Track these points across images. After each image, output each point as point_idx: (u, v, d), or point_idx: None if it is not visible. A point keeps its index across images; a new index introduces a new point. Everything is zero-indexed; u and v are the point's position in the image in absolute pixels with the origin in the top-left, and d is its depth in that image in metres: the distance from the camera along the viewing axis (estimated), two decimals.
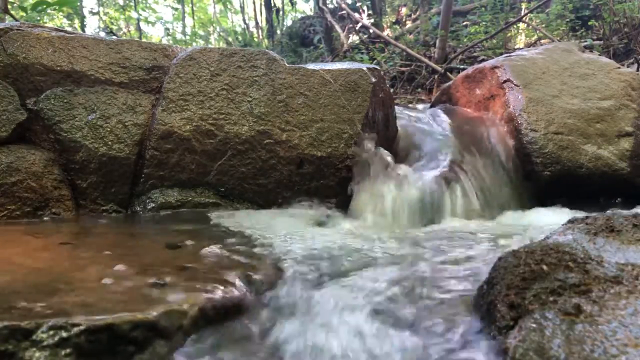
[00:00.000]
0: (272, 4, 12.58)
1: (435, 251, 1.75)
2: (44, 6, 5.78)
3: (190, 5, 16.85)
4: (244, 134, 2.52)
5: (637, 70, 5.16)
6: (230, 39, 14.13)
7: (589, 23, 6.89)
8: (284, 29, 12.45)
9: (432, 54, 7.52)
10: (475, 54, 7.36)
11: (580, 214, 1.46)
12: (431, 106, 4.02)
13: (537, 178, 2.89)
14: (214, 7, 17.91)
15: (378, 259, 1.63)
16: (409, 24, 10.30)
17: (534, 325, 0.86)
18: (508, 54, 3.78)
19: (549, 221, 2.24)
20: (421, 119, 3.46)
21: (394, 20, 10.77)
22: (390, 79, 7.33)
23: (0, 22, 3.60)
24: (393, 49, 7.97)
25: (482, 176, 2.85)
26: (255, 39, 13.32)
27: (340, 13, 10.33)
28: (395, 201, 2.56)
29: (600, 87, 3.18)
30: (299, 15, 13.92)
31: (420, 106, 4.01)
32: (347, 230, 2.22)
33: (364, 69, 2.81)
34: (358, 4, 10.57)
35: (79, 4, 11.41)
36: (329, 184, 2.58)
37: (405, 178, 2.66)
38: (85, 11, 13.26)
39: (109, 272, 1.29)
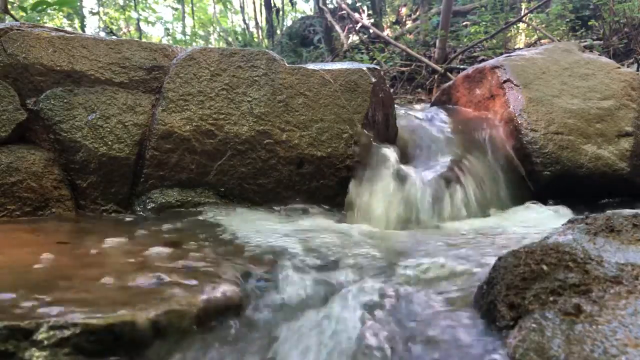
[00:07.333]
0: (272, 4, 12.57)
1: (434, 250, 1.75)
2: (44, 6, 5.78)
3: (190, 5, 16.84)
4: (244, 134, 2.52)
5: (637, 70, 5.16)
6: (230, 39, 14.13)
7: (589, 23, 6.89)
8: (284, 29, 12.45)
9: (432, 54, 7.51)
10: (475, 54, 7.36)
11: (580, 214, 1.46)
12: (431, 106, 4.02)
13: (537, 178, 2.89)
14: (214, 7, 17.90)
15: (377, 258, 1.63)
16: (409, 24, 10.29)
17: (534, 325, 0.86)
18: (508, 54, 3.78)
19: (548, 221, 2.24)
20: (421, 119, 3.46)
21: (394, 20, 10.76)
22: (390, 79, 7.32)
23: (0, 22, 3.60)
24: (393, 49, 7.96)
25: (481, 176, 2.85)
26: (255, 39, 13.31)
27: (340, 13, 10.31)
28: (395, 200, 2.56)
29: (600, 87, 3.18)
30: (299, 15, 13.92)
31: (420, 106, 4.01)
32: (346, 229, 2.22)
33: (364, 69, 2.81)
34: (358, 4, 10.57)
35: (79, 4, 11.41)
36: (329, 184, 2.58)
37: (405, 177, 2.66)
38: (85, 11, 13.26)
39: (108, 271, 1.29)
